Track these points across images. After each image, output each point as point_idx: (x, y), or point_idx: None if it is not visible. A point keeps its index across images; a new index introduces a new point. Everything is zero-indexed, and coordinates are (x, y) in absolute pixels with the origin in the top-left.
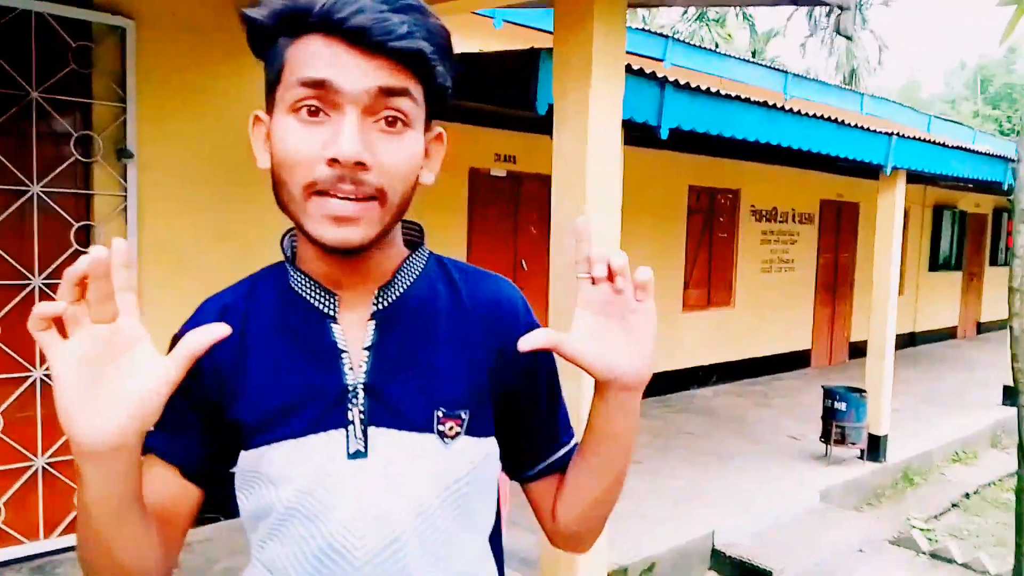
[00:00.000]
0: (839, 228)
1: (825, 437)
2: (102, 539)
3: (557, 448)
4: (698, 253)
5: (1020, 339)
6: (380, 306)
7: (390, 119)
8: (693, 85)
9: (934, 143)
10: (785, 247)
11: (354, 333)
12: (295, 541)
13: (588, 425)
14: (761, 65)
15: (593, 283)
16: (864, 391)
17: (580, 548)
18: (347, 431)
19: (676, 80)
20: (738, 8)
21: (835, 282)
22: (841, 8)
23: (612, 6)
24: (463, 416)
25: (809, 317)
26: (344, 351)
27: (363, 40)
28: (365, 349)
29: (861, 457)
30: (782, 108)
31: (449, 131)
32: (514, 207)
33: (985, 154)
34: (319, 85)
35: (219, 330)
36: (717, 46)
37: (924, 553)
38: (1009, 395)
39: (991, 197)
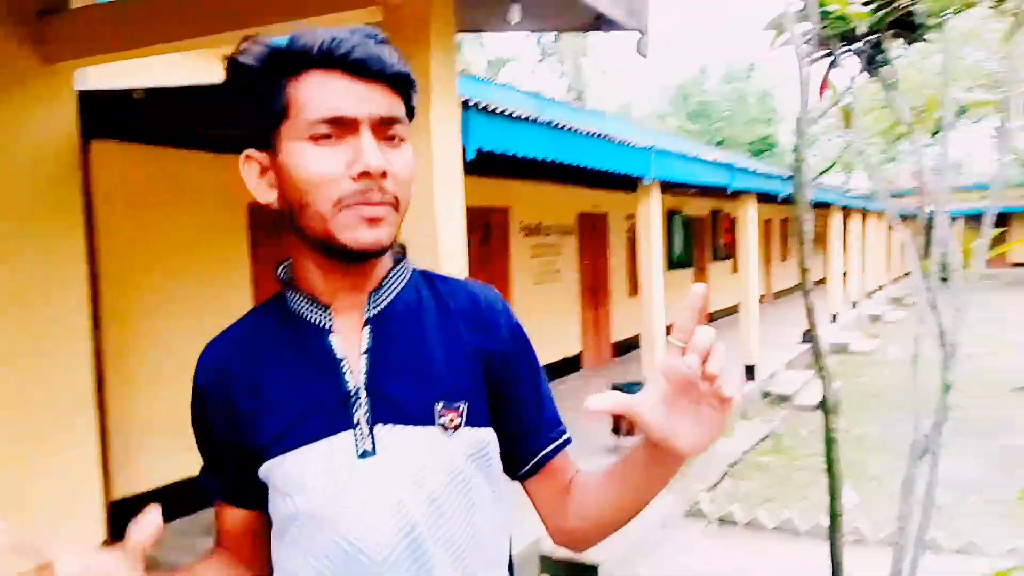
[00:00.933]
0: (594, 237)
1: (616, 430)
2: None
3: (547, 443)
4: (480, 271)
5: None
6: (372, 312)
7: (392, 136)
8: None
9: (685, 155)
10: (552, 259)
11: (351, 341)
12: (316, 548)
13: (626, 460)
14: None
15: (683, 353)
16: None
17: (581, 549)
18: (354, 432)
19: (477, 102)
20: (476, 33)
21: (596, 287)
22: (641, 32)
23: (445, 30)
24: (461, 407)
25: (577, 322)
26: (342, 358)
27: (362, 71)
28: (363, 354)
29: None
30: (564, 127)
31: (232, 163)
32: None
33: (716, 163)
34: (338, 119)
35: (152, 518)
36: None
37: (713, 521)
38: (750, 372)
39: (709, 201)
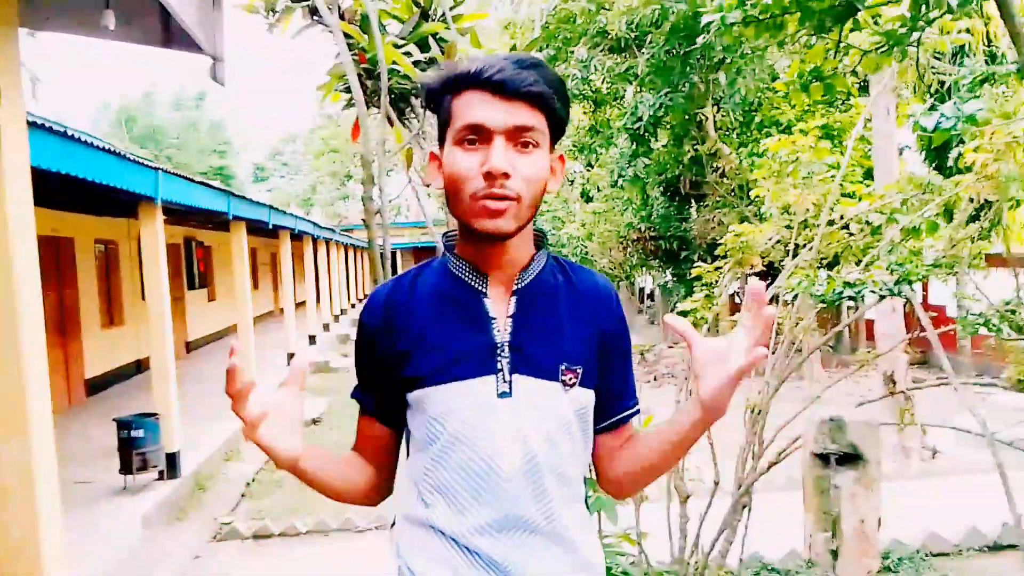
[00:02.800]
0: (59, 265)
1: (125, 468)
2: (316, 484)
3: (625, 407)
4: None
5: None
6: (519, 285)
7: (523, 143)
8: None
9: (193, 180)
10: None
11: (500, 305)
12: (458, 464)
13: (676, 412)
14: None
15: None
16: (156, 414)
17: (623, 496)
18: (496, 377)
19: None
20: None
21: (63, 321)
22: (215, 58)
23: (5, 28)
24: (578, 370)
25: None
26: (494, 318)
27: (503, 90)
28: (509, 317)
29: (161, 478)
30: (62, 134)
31: None
32: None
33: (217, 189)
34: (476, 127)
35: (302, 362)
36: None
37: (247, 538)
38: None
39: (181, 229)
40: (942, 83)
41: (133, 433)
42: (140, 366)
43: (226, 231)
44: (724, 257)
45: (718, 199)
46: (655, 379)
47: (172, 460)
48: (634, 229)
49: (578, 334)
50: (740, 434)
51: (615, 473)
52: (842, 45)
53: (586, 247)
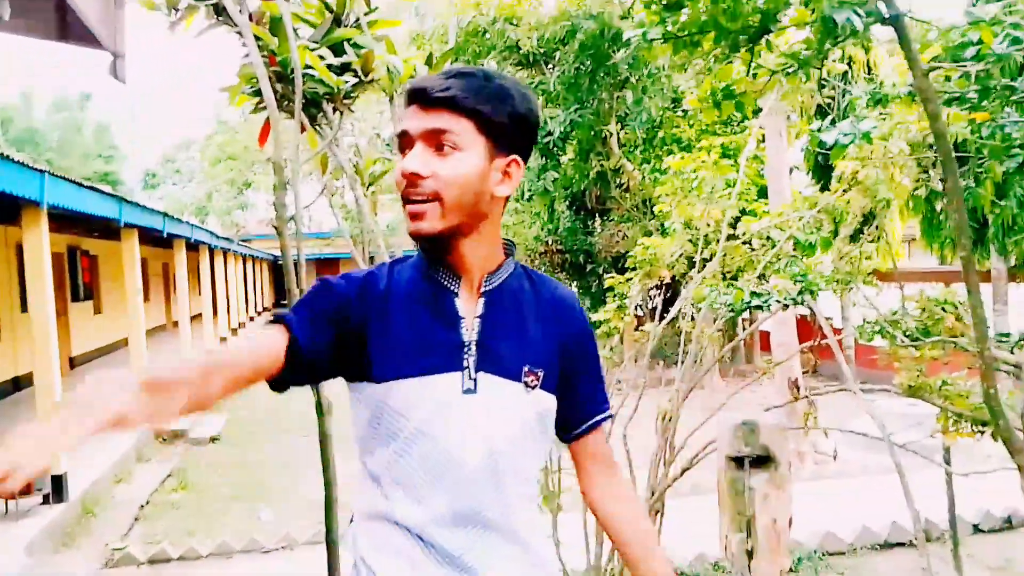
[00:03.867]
0: None
1: None
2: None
3: (596, 412)
4: None
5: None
6: (488, 287)
7: (439, 146)
8: None
9: (82, 184)
10: None
11: (469, 305)
12: (420, 456)
13: (636, 559)
14: None
15: None
16: None
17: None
18: (462, 374)
19: None
20: None
21: None
22: (115, 55)
23: None
24: (540, 373)
25: None
26: (462, 317)
27: (422, 98)
28: (477, 317)
29: (46, 502)
30: None
31: None
32: None
33: (107, 194)
34: (402, 135)
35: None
36: None
37: (143, 563)
38: None
39: (64, 237)
40: (827, 106)
41: None
42: (19, 383)
43: (115, 239)
44: (633, 269)
45: (623, 213)
46: None
47: (58, 483)
48: (541, 242)
49: (541, 339)
50: (652, 440)
51: (590, 493)
52: (753, 65)
53: None
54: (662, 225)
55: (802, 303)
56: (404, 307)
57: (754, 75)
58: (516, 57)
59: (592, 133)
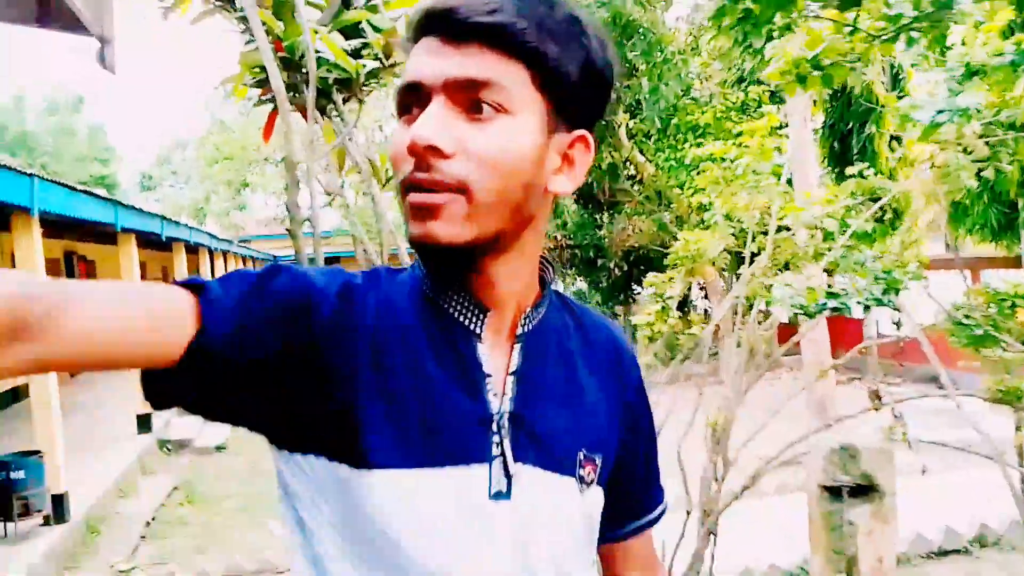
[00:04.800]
0: None
1: (4, 515)
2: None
3: (652, 508)
4: None
5: None
6: (525, 328)
7: (474, 105)
8: None
9: (75, 189)
10: None
11: (498, 357)
12: None
13: None
14: None
15: None
16: (39, 452)
17: None
18: (491, 466)
19: None
20: None
21: None
22: (103, 41)
23: None
24: (598, 461)
25: None
26: (489, 375)
27: (451, 28)
28: (510, 374)
29: (47, 523)
30: None
31: None
32: None
33: (102, 198)
34: (412, 87)
35: None
36: None
37: None
38: (144, 424)
39: (60, 242)
40: (842, 88)
41: (13, 475)
42: (17, 395)
43: (113, 244)
44: (673, 267)
45: (635, 206)
46: None
47: (59, 502)
48: (550, 237)
49: (599, 407)
50: (703, 452)
51: None
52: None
53: None
54: (679, 217)
55: (888, 304)
56: (401, 354)
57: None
58: None
59: (603, 123)
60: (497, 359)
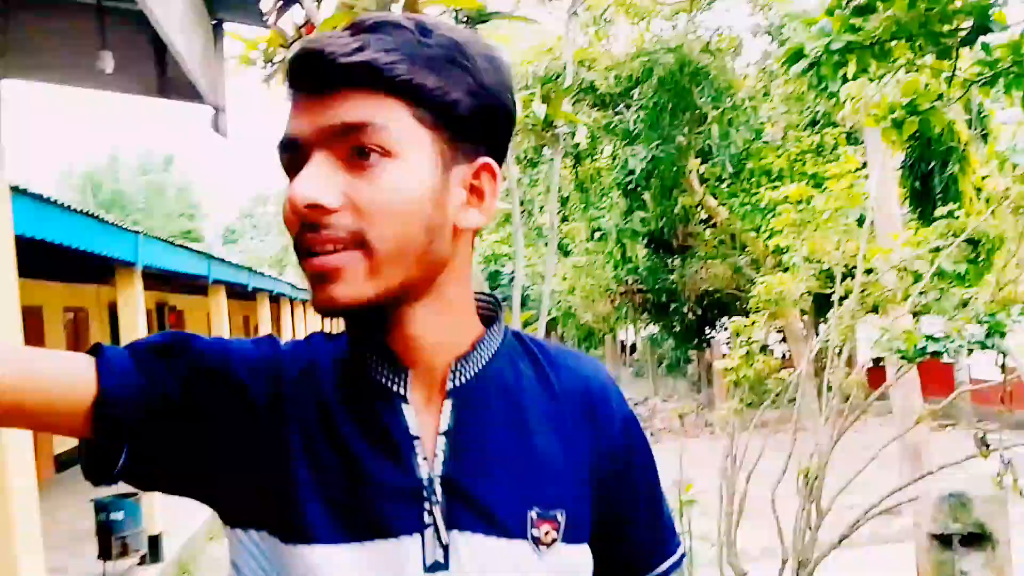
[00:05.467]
0: (26, 335)
1: (104, 554)
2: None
3: (659, 561)
4: None
5: None
6: (458, 383)
7: (358, 151)
8: None
9: (173, 243)
10: None
11: (426, 416)
12: None
13: None
14: None
15: None
16: (136, 494)
17: None
18: (423, 536)
19: None
20: None
21: None
22: (216, 108)
23: None
24: (559, 519)
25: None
26: (416, 437)
27: (317, 75)
28: (441, 434)
29: (143, 562)
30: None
31: None
32: None
33: (196, 252)
34: (289, 146)
35: None
36: None
37: None
38: None
39: (153, 294)
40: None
41: (112, 516)
42: None
43: (200, 294)
44: (756, 311)
45: (707, 251)
46: (651, 434)
47: (154, 543)
48: (620, 282)
49: (556, 458)
50: (795, 500)
51: None
52: (945, 76)
53: (568, 301)
54: (755, 260)
55: (992, 347)
56: (324, 425)
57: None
58: (592, 98)
59: (675, 169)
60: (427, 419)
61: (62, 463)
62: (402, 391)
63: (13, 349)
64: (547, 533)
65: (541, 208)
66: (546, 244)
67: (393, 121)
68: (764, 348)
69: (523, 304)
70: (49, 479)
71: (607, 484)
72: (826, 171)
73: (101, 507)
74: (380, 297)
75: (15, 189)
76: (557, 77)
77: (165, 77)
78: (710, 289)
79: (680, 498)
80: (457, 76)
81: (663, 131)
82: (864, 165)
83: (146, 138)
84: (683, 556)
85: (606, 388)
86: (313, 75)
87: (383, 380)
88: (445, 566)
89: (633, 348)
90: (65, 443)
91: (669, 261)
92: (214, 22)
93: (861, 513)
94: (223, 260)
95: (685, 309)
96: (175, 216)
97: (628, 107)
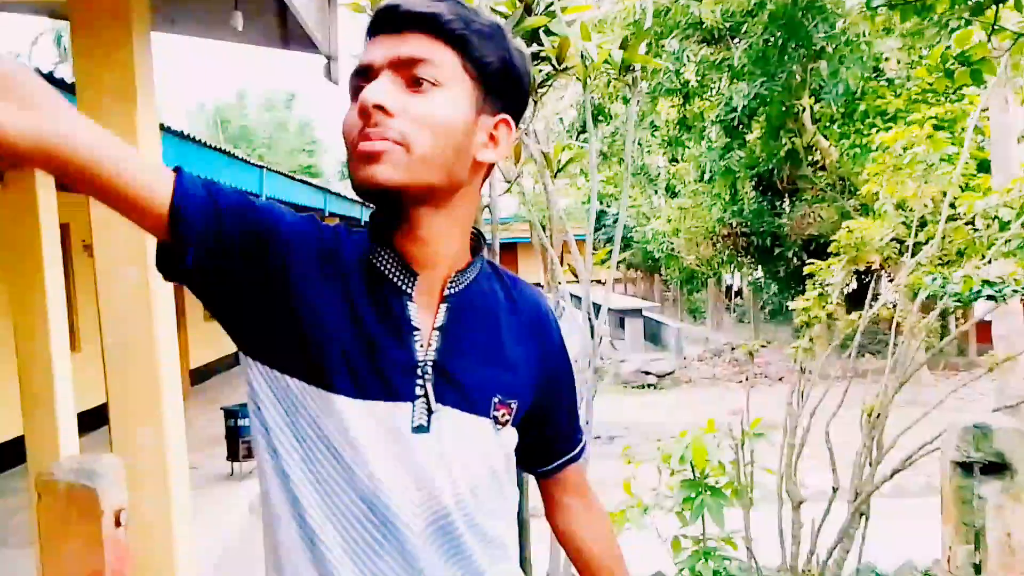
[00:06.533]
0: None
1: (232, 456)
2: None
3: (571, 448)
4: None
5: None
6: (453, 290)
7: (415, 79)
8: None
9: (293, 178)
10: None
11: (426, 314)
12: (346, 509)
13: None
14: None
15: None
16: None
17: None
18: (414, 404)
19: None
20: None
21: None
22: (329, 57)
23: (140, 34)
24: (513, 406)
25: None
26: (417, 328)
27: (390, 22)
28: (435, 329)
29: None
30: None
31: None
32: None
33: (315, 186)
34: (362, 70)
35: None
36: None
37: None
38: None
39: None
40: None
41: (239, 422)
42: (238, 358)
43: None
44: (836, 254)
45: (816, 193)
46: (746, 379)
47: None
48: (724, 225)
49: (516, 359)
50: (857, 438)
51: (560, 525)
52: (994, 28)
53: (672, 243)
54: (864, 206)
55: None
56: (350, 300)
57: (988, 39)
58: (700, 34)
59: (783, 108)
60: (425, 316)
61: (197, 376)
62: (410, 291)
63: (119, 144)
64: (503, 415)
65: (649, 150)
66: (654, 188)
67: (446, 63)
68: (860, 295)
69: (626, 245)
70: (186, 391)
71: (546, 384)
72: (946, 112)
73: (230, 414)
74: (409, 186)
75: (161, 127)
76: (665, 13)
77: (286, 29)
78: (816, 234)
79: (743, 430)
80: (495, 47)
81: (771, 67)
82: (986, 108)
83: (271, 78)
84: (585, 445)
85: (548, 311)
86: (392, 20)
87: (396, 281)
88: (427, 429)
89: (740, 293)
90: (199, 359)
91: (776, 204)
92: None
93: (915, 449)
94: (338, 194)
95: (790, 254)
96: (296, 152)
97: (738, 43)
